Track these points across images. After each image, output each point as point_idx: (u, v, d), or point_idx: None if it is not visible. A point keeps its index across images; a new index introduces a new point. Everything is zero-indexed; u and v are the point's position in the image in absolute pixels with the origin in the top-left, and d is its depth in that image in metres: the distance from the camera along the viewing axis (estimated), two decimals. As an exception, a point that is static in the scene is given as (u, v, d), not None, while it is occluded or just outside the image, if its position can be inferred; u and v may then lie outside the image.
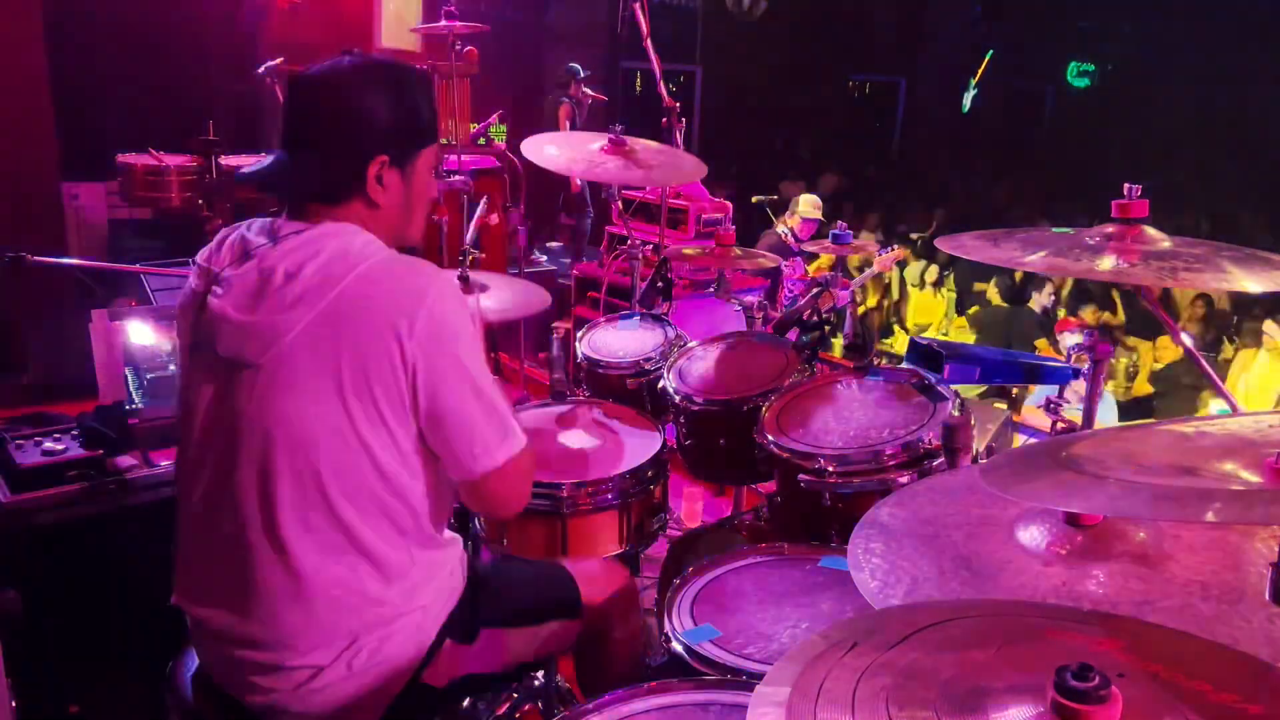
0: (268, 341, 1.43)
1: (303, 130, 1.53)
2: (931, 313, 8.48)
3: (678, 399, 2.43)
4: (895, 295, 8.58)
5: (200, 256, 1.57)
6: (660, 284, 3.03)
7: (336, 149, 1.51)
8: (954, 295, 8.48)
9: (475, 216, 3.04)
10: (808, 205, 6.08)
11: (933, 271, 8.54)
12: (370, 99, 1.50)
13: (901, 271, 8.57)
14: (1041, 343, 6.77)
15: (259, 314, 1.44)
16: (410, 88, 1.56)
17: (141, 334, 2.67)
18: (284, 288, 1.43)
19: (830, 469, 1.96)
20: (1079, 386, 1.97)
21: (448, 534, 1.67)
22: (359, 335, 1.41)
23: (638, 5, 3.66)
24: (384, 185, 1.53)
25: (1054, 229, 1.77)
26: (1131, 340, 7.01)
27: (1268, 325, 5.78)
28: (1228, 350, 6.79)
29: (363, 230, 1.51)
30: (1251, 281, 1.53)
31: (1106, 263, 1.57)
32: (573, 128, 7.70)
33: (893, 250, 6.33)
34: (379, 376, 1.42)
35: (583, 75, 7.89)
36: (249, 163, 4.90)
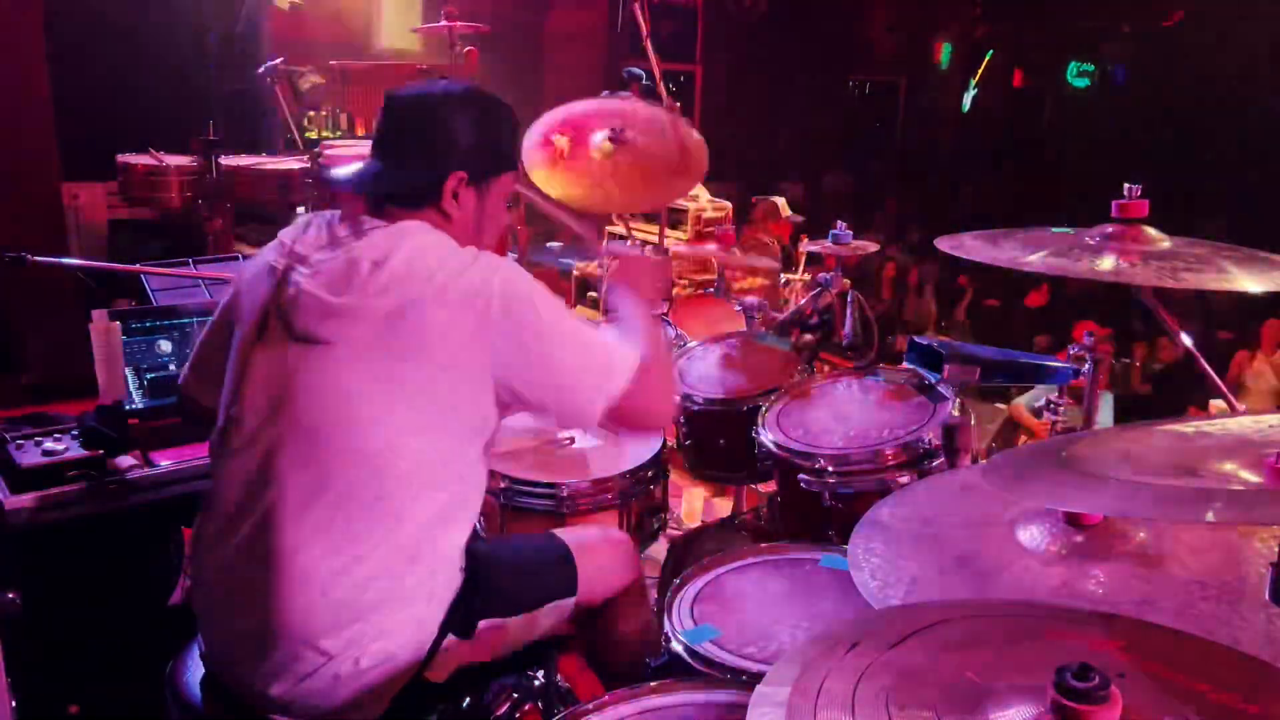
0: (349, 322, 1.48)
1: (391, 139, 1.65)
2: (923, 314, 8.48)
3: (678, 399, 2.43)
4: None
5: (285, 236, 1.63)
6: (660, 284, 3.02)
7: (419, 160, 1.62)
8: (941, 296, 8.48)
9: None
10: None
11: (916, 274, 8.54)
12: (456, 119, 1.63)
13: (901, 275, 8.56)
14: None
15: (347, 296, 1.49)
16: (496, 116, 1.68)
17: (142, 334, 2.66)
18: (371, 275, 1.49)
19: (830, 469, 1.96)
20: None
21: (471, 522, 1.67)
22: (436, 329, 1.47)
23: (638, 5, 3.66)
24: (459, 201, 1.63)
25: (1053, 229, 1.77)
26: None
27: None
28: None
29: (437, 230, 1.59)
30: (1251, 281, 1.53)
31: (1107, 263, 1.57)
32: None
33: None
34: (456, 369, 1.48)
35: (646, 83, 7.64)
36: (249, 162, 4.91)
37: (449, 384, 1.48)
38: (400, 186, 1.62)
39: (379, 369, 1.46)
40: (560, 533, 1.87)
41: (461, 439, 1.54)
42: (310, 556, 1.46)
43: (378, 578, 1.48)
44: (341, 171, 1.75)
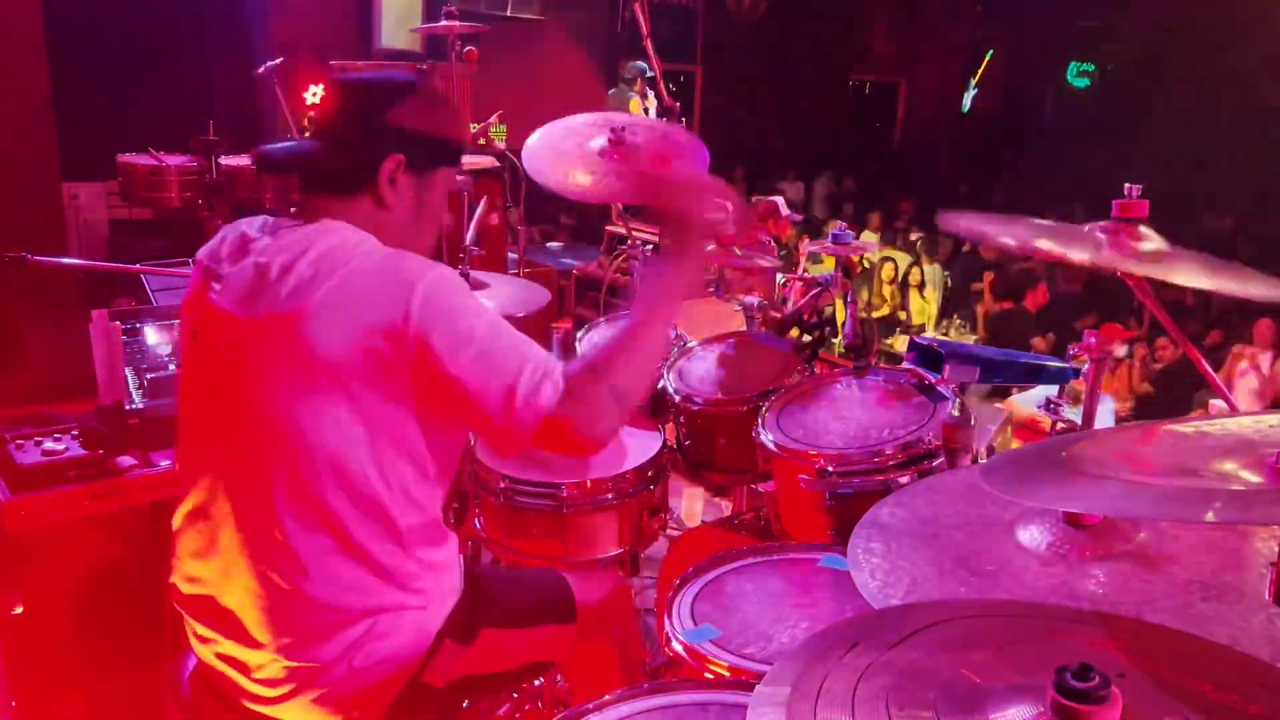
0: (265, 338, 1.44)
1: (330, 118, 1.59)
2: (921, 314, 8.49)
3: (678, 399, 2.43)
4: (897, 296, 8.58)
5: (202, 253, 1.59)
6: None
7: (355, 137, 1.55)
8: (938, 295, 8.47)
9: (475, 216, 3.04)
10: None
11: (915, 274, 8.54)
12: (399, 101, 1.56)
13: (903, 274, 8.56)
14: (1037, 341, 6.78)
15: (256, 310, 1.45)
16: (442, 107, 1.65)
17: (141, 334, 2.67)
18: (278, 282, 1.44)
19: (830, 469, 1.96)
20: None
21: (447, 533, 1.67)
22: (357, 327, 1.40)
23: (638, 5, 3.65)
24: (396, 186, 1.55)
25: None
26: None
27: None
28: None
29: (359, 230, 1.51)
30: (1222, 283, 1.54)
31: (1101, 253, 1.56)
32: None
33: None
34: (380, 369, 1.41)
35: (649, 75, 7.59)
36: (249, 162, 4.90)
37: (375, 381, 1.41)
38: (332, 170, 1.55)
39: (303, 376, 1.42)
40: (561, 571, 1.89)
41: (408, 431, 1.47)
42: (279, 564, 1.46)
43: (361, 584, 1.48)
44: (275, 148, 1.66)
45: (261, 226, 1.56)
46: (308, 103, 5.62)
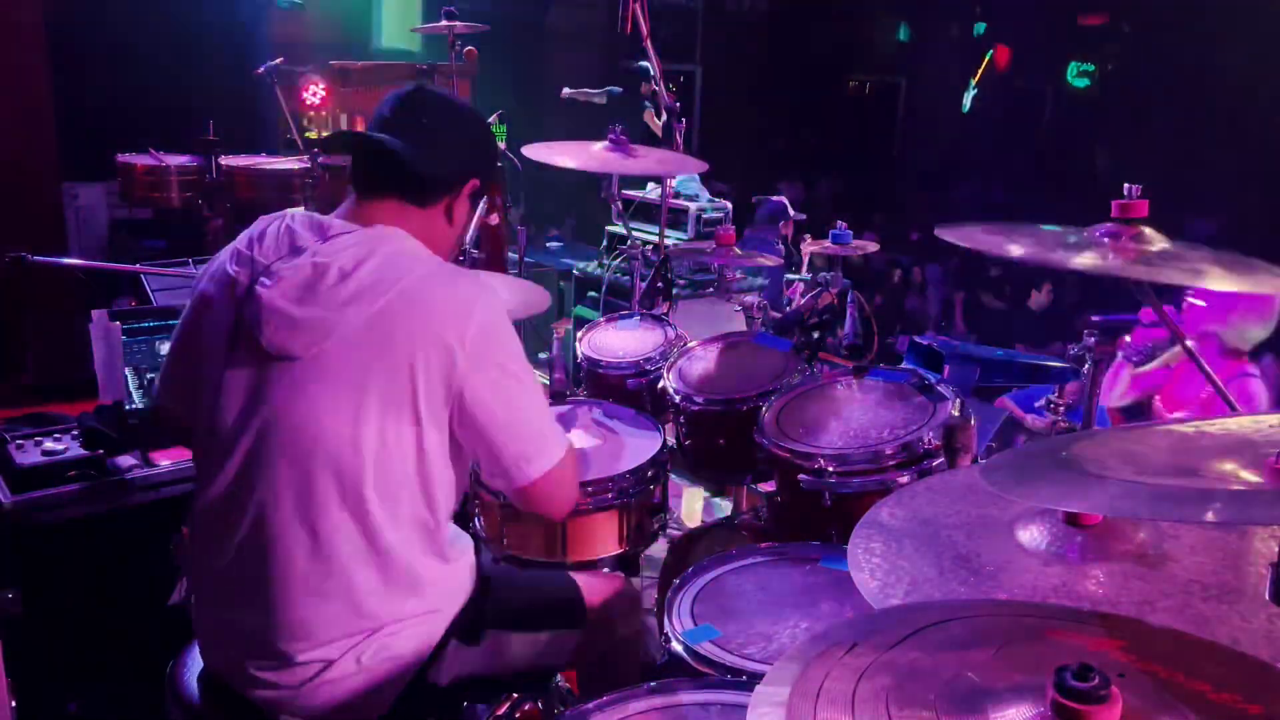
0: (317, 336, 1.43)
1: (422, 125, 1.58)
2: (921, 314, 8.50)
3: (678, 399, 2.42)
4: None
5: (241, 244, 1.56)
6: (660, 284, 3.03)
7: (453, 151, 1.60)
8: (938, 295, 8.47)
9: (475, 216, 3.04)
10: None
11: (917, 273, 8.54)
12: (482, 128, 1.71)
13: (904, 275, 8.56)
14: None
15: (311, 308, 1.44)
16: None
17: (141, 334, 2.67)
18: (338, 285, 1.44)
19: (830, 469, 1.96)
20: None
21: (463, 536, 1.67)
22: (410, 340, 1.44)
23: (638, 5, 3.65)
24: (461, 206, 1.64)
25: (1045, 226, 1.75)
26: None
27: None
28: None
29: (412, 238, 1.54)
30: (1226, 281, 1.53)
31: (1092, 258, 1.56)
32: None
33: None
34: (426, 382, 1.44)
35: (653, 74, 7.57)
36: (249, 162, 4.91)
37: (418, 393, 1.45)
38: (427, 172, 1.57)
39: (351, 379, 1.43)
40: (571, 573, 1.91)
41: (435, 443, 1.50)
42: (302, 562, 1.46)
43: (378, 585, 1.48)
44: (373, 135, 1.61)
45: (308, 224, 1.53)
46: (308, 102, 5.62)
